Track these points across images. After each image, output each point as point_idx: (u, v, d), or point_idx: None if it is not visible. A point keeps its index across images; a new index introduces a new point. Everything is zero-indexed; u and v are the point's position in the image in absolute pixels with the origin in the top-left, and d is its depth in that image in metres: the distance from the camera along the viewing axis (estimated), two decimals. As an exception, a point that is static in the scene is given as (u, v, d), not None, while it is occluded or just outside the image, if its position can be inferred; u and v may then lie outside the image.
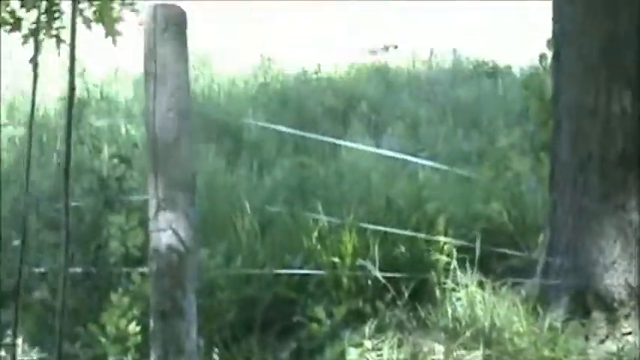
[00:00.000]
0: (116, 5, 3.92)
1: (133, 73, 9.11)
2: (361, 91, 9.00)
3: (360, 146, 6.36)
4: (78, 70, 7.83)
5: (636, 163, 4.16)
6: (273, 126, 6.34)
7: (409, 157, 5.85)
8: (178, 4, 2.85)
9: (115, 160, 4.70)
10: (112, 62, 9.11)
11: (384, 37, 14.00)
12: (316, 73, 9.93)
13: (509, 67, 10.42)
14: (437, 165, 5.70)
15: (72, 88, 2.77)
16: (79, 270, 4.11)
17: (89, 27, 4.01)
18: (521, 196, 5.02)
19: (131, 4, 3.85)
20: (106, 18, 3.84)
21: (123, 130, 7.01)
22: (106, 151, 5.91)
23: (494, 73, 10.22)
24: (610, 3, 4.10)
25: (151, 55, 2.84)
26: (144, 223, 3.46)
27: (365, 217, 4.51)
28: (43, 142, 6.64)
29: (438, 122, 7.89)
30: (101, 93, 8.41)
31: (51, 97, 7.99)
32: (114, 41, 4.06)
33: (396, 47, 13.06)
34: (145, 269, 3.47)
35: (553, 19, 4.31)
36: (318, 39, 13.89)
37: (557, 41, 4.34)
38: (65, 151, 2.87)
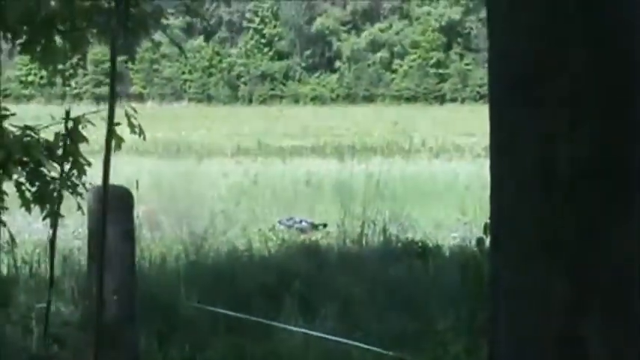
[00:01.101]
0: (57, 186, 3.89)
1: (62, 248, 9.01)
2: (294, 269, 8.99)
3: (294, 329, 6.31)
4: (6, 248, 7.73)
5: (575, 346, 4.15)
6: (206, 307, 6.28)
7: (343, 340, 5.81)
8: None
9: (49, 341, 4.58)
10: (43, 237, 9.02)
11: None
12: (247, 251, 9.93)
13: (438, 247, 10.52)
14: (372, 347, 5.65)
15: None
16: None
17: (29, 210, 3.97)
18: (460, 380, 4.98)
19: (74, 186, 3.83)
20: (46, 198, 3.81)
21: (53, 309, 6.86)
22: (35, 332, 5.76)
23: (424, 253, 10.28)
24: (548, 182, 4.15)
25: (95, 235, 2.80)
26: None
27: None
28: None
29: (370, 302, 7.87)
30: (30, 270, 8.28)
31: None
32: (53, 225, 4.01)
33: (325, 226, 13.19)
34: None
35: (490, 199, 4.36)
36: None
37: (494, 225, 4.37)
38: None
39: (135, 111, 3.34)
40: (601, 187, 3.41)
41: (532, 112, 3.35)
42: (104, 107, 3.64)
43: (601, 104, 3.24)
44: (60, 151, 3.79)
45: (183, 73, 76.49)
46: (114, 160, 4.98)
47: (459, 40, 79.94)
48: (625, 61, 3.25)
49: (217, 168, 23.53)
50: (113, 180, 4.34)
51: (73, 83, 71.41)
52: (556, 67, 3.31)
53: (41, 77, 65.61)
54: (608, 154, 3.35)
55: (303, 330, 6.35)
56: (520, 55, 3.29)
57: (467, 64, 77.74)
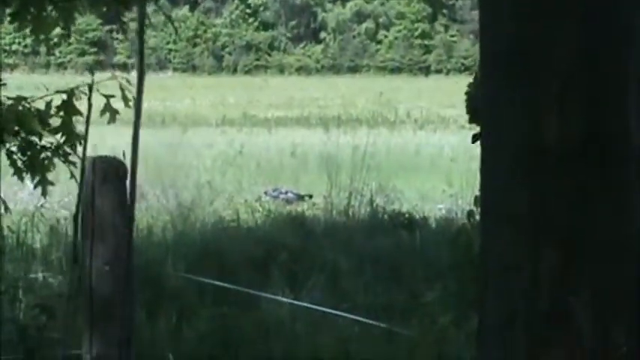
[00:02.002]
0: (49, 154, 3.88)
1: (51, 217, 9.01)
2: (280, 240, 8.99)
3: (281, 299, 6.33)
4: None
5: (563, 321, 4.17)
6: (193, 277, 6.29)
7: (330, 310, 5.83)
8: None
9: (36, 310, 4.57)
10: (29, 207, 9.02)
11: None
12: (234, 221, 9.93)
13: (425, 219, 10.54)
14: (360, 318, 5.67)
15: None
16: None
17: (21, 178, 3.96)
18: (448, 352, 5.00)
19: (66, 154, 3.82)
20: (37, 167, 3.81)
21: (40, 279, 6.88)
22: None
23: (410, 224, 10.31)
24: (538, 157, 4.16)
25: (89, 207, 2.79)
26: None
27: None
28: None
29: (357, 274, 7.89)
30: (17, 239, 8.26)
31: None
32: (44, 192, 4.01)
33: (310, 197, 13.20)
34: None
35: (481, 173, 4.37)
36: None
37: (484, 198, 4.38)
38: None
39: (129, 83, 3.32)
40: (590, 161, 3.41)
41: (521, 85, 3.35)
42: (88, 77, 3.63)
43: (590, 78, 3.25)
44: (51, 121, 3.79)
45: (168, 43, 76.11)
46: (98, 130, 4.94)
47: (444, 11, 79.82)
48: (613, 33, 3.24)
49: (202, 139, 23.48)
50: (99, 151, 4.32)
51: (57, 52, 71.08)
52: (545, 41, 3.32)
53: (25, 46, 65.24)
54: (598, 127, 3.36)
55: (289, 300, 6.36)
56: (509, 28, 3.28)
57: (452, 36, 77.65)
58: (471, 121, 9.77)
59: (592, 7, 3.19)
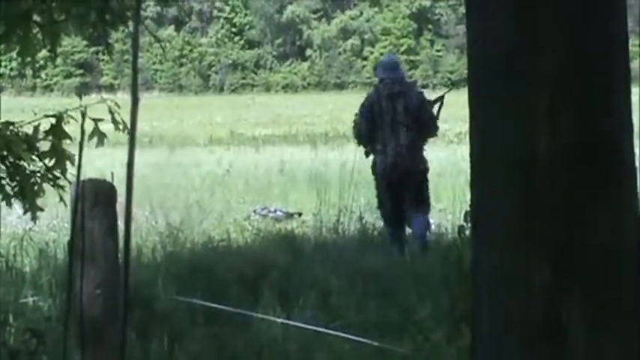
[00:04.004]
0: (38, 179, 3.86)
1: (40, 240, 9.00)
2: (271, 259, 8.98)
3: (273, 319, 6.32)
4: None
5: (557, 334, 4.16)
6: (184, 299, 6.27)
7: (322, 329, 5.81)
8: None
9: (27, 335, 4.55)
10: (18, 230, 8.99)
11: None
12: (224, 241, 9.92)
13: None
14: (352, 337, 5.66)
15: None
16: None
17: (9, 204, 3.94)
18: (441, 368, 4.99)
19: (55, 178, 3.80)
20: (27, 192, 3.78)
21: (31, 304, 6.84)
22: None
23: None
24: (528, 167, 4.15)
25: (79, 230, 2.78)
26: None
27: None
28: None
29: (348, 291, 7.87)
30: (7, 263, 8.24)
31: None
32: (33, 218, 3.99)
33: (300, 215, 13.19)
34: None
35: (471, 186, 4.36)
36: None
37: (475, 210, 4.37)
38: None
39: (118, 106, 3.31)
40: (582, 169, 3.40)
41: (510, 95, 3.34)
42: (75, 99, 3.62)
43: (582, 82, 3.25)
44: (40, 145, 3.77)
45: (154, 63, 76.18)
46: (85, 152, 4.94)
47: (430, 26, 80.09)
48: (602, 41, 3.24)
49: (190, 158, 23.47)
50: (87, 173, 4.31)
51: (43, 75, 71.04)
52: (534, 51, 3.32)
53: (11, 69, 65.18)
54: (588, 136, 3.35)
55: (281, 320, 6.35)
56: (499, 35, 3.28)
57: (437, 51, 77.92)
58: (358, 144, 10.38)
59: (580, 16, 3.19)
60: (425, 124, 9.75)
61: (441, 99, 10.05)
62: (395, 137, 9.69)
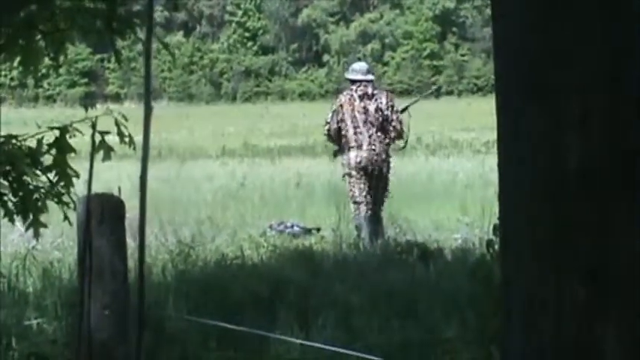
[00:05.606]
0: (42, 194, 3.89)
1: (43, 259, 9.02)
2: (288, 276, 8.99)
3: (291, 339, 6.32)
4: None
5: (591, 351, 4.15)
6: (196, 319, 6.29)
7: (343, 350, 5.81)
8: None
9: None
10: (20, 249, 9.01)
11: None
12: (238, 258, 9.93)
13: (440, 250, 10.54)
14: (374, 358, 5.66)
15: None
16: None
17: (12, 220, 3.97)
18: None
19: (59, 194, 3.82)
20: (30, 208, 3.81)
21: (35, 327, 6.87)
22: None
23: (424, 256, 10.30)
24: (557, 185, 4.16)
25: (86, 248, 2.80)
26: None
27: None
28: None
29: (370, 310, 7.87)
30: (9, 284, 8.27)
31: None
32: (36, 235, 4.01)
33: (318, 230, 13.20)
34: None
35: (499, 200, 4.37)
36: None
37: (504, 225, 4.38)
38: None
39: (125, 118, 3.33)
40: (616, 180, 3.41)
41: (540, 105, 3.35)
42: (78, 110, 3.65)
43: (612, 97, 3.25)
44: (43, 159, 3.80)
45: (162, 70, 76.37)
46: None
47: (454, 29, 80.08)
48: (636, 51, 3.25)
49: (202, 171, 23.51)
50: (93, 187, 4.33)
51: (45, 84, 71.36)
52: (565, 60, 3.33)
53: (12, 79, 65.51)
54: (621, 148, 3.36)
55: (299, 341, 6.35)
56: (526, 46, 3.30)
57: (463, 55, 77.89)
58: (328, 140, 11.74)
59: (614, 24, 3.20)
60: (393, 126, 11.62)
61: (405, 109, 12.21)
62: (368, 134, 11.41)
